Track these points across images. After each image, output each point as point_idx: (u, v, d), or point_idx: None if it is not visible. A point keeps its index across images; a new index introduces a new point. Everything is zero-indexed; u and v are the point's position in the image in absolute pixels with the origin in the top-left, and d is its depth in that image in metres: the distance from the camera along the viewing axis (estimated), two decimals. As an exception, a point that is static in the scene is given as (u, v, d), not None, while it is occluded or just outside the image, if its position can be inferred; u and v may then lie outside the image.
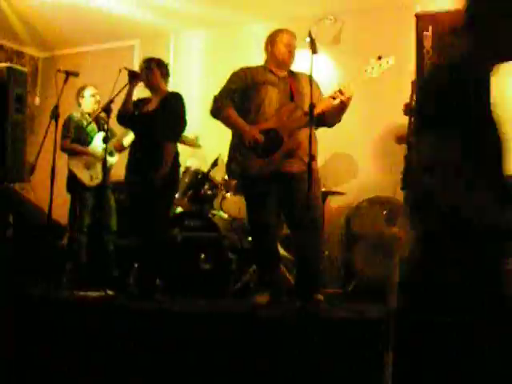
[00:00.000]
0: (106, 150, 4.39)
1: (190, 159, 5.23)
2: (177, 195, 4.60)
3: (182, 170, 4.48)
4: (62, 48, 6.94)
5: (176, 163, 4.19)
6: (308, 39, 3.44)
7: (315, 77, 3.50)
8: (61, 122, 4.46)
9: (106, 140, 4.44)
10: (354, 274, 4.67)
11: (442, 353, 1.60)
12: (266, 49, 3.80)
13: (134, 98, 4.27)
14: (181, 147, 4.35)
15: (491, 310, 1.55)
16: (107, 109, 4.23)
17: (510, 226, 1.53)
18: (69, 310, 3.40)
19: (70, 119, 4.88)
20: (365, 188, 5.21)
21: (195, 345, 2.88)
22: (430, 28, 2.93)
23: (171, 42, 6.45)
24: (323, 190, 4.73)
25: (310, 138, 3.37)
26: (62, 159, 4.82)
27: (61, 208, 5.03)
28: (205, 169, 4.98)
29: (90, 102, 4.94)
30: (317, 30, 4.79)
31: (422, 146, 1.62)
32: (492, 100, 1.49)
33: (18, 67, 4.31)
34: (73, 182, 4.78)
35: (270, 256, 3.75)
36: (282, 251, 4.31)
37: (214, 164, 4.91)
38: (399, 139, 4.63)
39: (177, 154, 4.17)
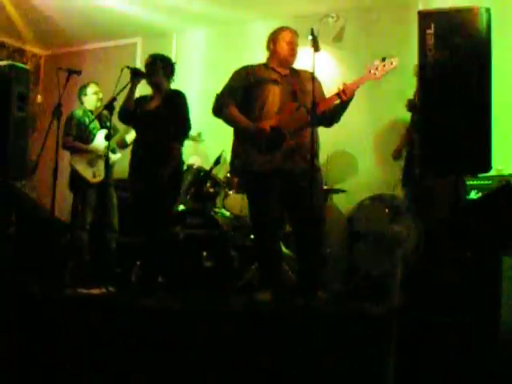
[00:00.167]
0: (108, 147, 4.39)
1: (192, 157, 5.23)
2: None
3: (184, 167, 4.49)
4: (65, 46, 6.95)
5: (180, 161, 4.22)
6: (310, 37, 3.44)
7: (317, 75, 3.50)
8: (63, 119, 4.47)
9: (108, 137, 4.44)
10: (357, 272, 4.67)
11: (442, 350, 1.60)
12: (268, 47, 3.80)
13: (136, 95, 4.28)
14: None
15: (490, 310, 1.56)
16: (110, 106, 4.23)
17: None
18: (71, 307, 3.40)
19: (72, 117, 4.88)
20: (367, 185, 5.21)
21: (197, 342, 2.88)
22: (433, 26, 2.93)
23: (173, 40, 6.45)
24: (325, 187, 4.73)
25: (312, 135, 3.38)
26: (65, 157, 4.83)
27: (63, 206, 5.04)
28: (207, 167, 4.98)
29: (92, 100, 4.94)
30: (319, 28, 4.79)
31: None
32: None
33: (21, 65, 4.31)
34: (75, 180, 4.78)
35: (272, 253, 3.75)
36: (284, 249, 4.32)
37: (217, 162, 4.91)
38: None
39: (180, 152, 4.20)
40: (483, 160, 2.92)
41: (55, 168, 4.12)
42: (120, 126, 4.75)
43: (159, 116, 4.18)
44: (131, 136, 4.67)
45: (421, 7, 5.03)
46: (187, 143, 4.81)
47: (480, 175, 4.23)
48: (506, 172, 4.47)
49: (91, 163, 4.79)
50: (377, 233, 4.50)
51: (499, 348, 1.61)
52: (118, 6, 5.78)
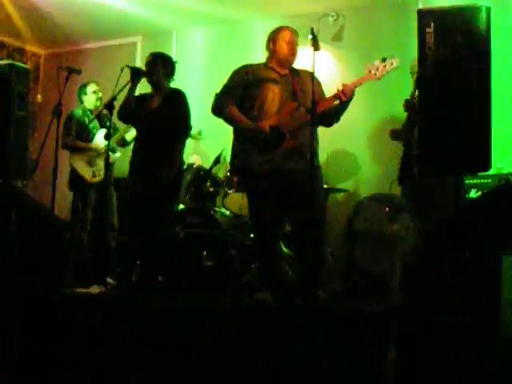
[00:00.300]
0: (108, 146, 4.39)
1: (192, 156, 5.23)
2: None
3: (184, 167, 4.49)
4: (64, 45, 6.95)
5: (181, 161, 4.23)
6: (310, 36, 3.44)
7: (317, 74, 3.49)
8: (63, 119, 4.47)
9: (108, 137, 4.44)
10: (356, 271, 4.67)
11: (441, 350, 1.60)
12: (268, 46, 3.79)
13: (136, 94, 4.28)
14: (183, 144, 4.36)
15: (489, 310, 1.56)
16: (110, 106, 4.23)
17: None
18: (71, 306, 3.40)
19: (71, 116, 4.88)
20: (366, 185, 5.22)
21: (197, 342, 2.88)
22: (433, 24, 2.92)
23: (173, 39, 6.45)
24: (325, 186, 4.73)
25: (312, 135, 3.37)
26: (64, 156, 4.83)
27: (62, 205, 5.04)
28: (207, 166, 4.98)
29: (92, 99, 4.95)
30: (319, 27, 4.80)
31: None
32: None
33: (20, 64, 4.30)
34: (75, 179, 4.79)
35: (272, 253, 3.75)
36: (284, 249, 4.31)
37: (217, 161, 4.91)
38: (394, 134, 4.62)
39: (181, 152, 4.21)
40: (483, 159, 2.91)
41: (55, 167, 4.12)
42: (120, 124, 4.75)
43: (160, 115, 4.18)
44: (131, 135, 4.67)
45: (420, 6, 5.03)
46: (187, 142, 4.81)
47: (479, 174, 4.23)
48: (506, 170, 4.47)
49: (91, 162, 4.79)
50: (376, 232, 4.49)
51: (499, 348, 1.61)
52: (118, 5, 5.77)
